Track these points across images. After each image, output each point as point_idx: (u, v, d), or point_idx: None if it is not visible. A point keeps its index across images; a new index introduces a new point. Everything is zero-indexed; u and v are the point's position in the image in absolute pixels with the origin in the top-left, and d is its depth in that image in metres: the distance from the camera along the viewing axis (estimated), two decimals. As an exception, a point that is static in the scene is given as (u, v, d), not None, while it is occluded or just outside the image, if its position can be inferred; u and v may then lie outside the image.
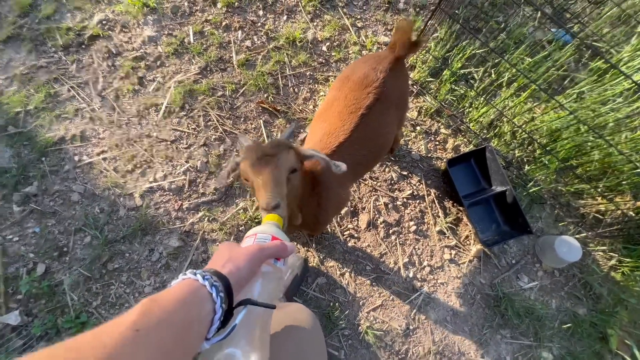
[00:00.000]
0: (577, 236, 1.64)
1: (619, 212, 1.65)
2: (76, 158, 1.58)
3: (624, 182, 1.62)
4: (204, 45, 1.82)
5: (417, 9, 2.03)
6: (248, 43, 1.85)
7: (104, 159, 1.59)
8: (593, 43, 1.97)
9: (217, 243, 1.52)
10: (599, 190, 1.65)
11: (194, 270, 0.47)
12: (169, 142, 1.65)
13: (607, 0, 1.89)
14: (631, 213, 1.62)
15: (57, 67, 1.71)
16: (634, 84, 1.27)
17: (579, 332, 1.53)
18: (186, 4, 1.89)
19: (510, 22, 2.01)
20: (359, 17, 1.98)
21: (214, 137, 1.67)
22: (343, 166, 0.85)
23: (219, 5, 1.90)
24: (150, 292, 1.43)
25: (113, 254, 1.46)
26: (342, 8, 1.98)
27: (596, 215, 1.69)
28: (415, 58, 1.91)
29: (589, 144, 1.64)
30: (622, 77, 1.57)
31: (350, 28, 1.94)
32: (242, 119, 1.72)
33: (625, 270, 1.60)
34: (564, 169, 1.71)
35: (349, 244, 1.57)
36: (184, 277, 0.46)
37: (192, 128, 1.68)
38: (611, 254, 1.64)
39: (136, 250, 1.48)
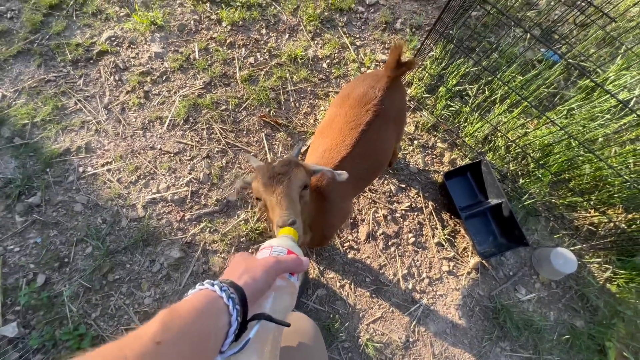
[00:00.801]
0: (572, 248, 1.67)
1: (612, 224, 1.69)
2: (80, 169, 1.60)
3: (615, 195, 1.67)
4: (209, 62, 1.88)
5: (413, 29, 2.12)
6: (251, 60, 1.92)
7: (108, 170, 1.62)
8: (580, 63, 2.07)
9: (220, 254, 1.53)
10: (592, 203, 1.70)
11: (212, 281, 0.47)
12: (172, 154, 1.68)
13: (592, 23, 2.00)
14: (623, 225, 1.67)
15: (65, 81, 1.76)
16: (620, 102, 1.34)
17: (578, 345, 1.54)
18: (192, 22, 1.97)
19: (502, 43, 2.11)
20: (357, 36, 2.07)
21: (216, 149, 1.71)
22: (345, 174, 0.89)
23: (223, 24, 1.99)
24: (150, 303, 1.43)
25: (114, 265, 1.46)
26: (341, 27, 2.07)
27: (590, 227, 1.72)
28: (412, 75, 1.99)
29: (580, 158, 1.70)
30: (609, 94, 1.65)
31: (350, 46, 2.02)
32: (244, 132, 1.77)
33: (620, 282, 1.62)
34: (557, 182, 1.76)
35: (349, 256, 1.59)
36: (201, 287, 0.47)
37: (195, 141, 1.72)
38: (606, 265, 1.67)
39: (137, 261, 1.48)
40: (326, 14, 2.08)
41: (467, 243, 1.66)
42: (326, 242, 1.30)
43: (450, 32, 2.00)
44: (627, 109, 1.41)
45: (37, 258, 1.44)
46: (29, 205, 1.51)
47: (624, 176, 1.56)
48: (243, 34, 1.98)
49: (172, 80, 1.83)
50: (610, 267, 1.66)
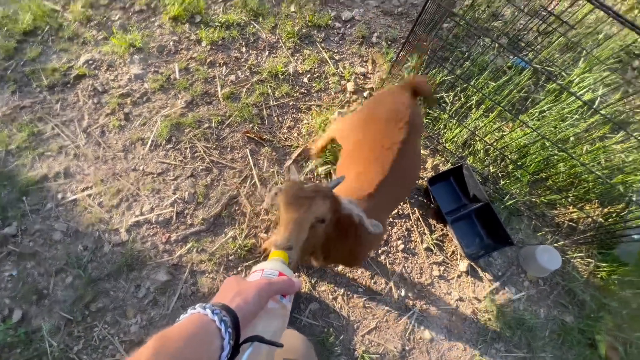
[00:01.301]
0: (555, 245, 1.72)
1: (590, 219, 1.75)
2: (59, 196, 1.55)
3: (590, 191, 1.74)
4: (190, 81, 1.89)
5: (389, 42, 2.21)
6: (232, 77, 1.94)
7: (89, 195, 1.57)
8: (546, 68, 2.19)
9: (208, 274, 1.49)
10: (569, 199, 1.76)
11: (203, 304, 0.47)
12: (155, 175, 1.65)
13: (554, 31, 2.13)
14: (600, 219, 1.73)
15: (41, 107, 1.72)
16: (585, 103, 1.42)
17: (569, 340, 1.56)
18: (171, 43, 1.98)
19: (473, 52, 2.21)
20: (336, 50, 2.13)
21: (200, 167, 1.70)
22: (380, 227, 0.86)
23: (203, 43, 2.01)
24: (137, 331, 1.37)
25: (97, 293, 1.41)
26: (320, 43, 2.13)
27: (570, 223, 1.78)
28: (392, 85, 2.05)
29: (555, 157, 1.77)
30: (574, 97, 1.74)
31: (329, 61, 2.08)
32: (228, 149, 1.76)
33: (603, 274, 1.67)
34: (536, 181, 1.82)
35: (340, 267, 1.58)
36: (192, 311, 0.46)
37: (178, 160, 1.70)
38: (588, 259, 1.72)
39: (121, 287, 1.43)
40: (304, 30, 2.14)
41: (455, 246, 1.69)
42: (358, 263, 1.29)
43: (424, 43, 2.08)
44: (592, 109, 1.50)
45: (13, 292, 1.37)
46: (4, 236, 1.44)
47: (596, 172, 1.63)
48: (223, 53, 2.01)
49: (153, 100, 1.82)
50: (593, 260, 1.72)
